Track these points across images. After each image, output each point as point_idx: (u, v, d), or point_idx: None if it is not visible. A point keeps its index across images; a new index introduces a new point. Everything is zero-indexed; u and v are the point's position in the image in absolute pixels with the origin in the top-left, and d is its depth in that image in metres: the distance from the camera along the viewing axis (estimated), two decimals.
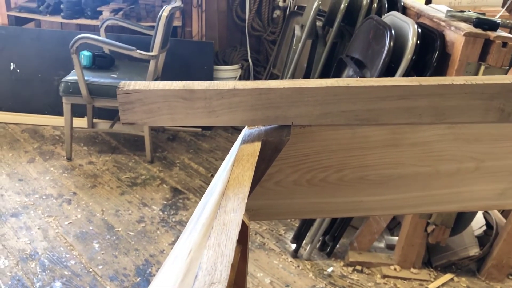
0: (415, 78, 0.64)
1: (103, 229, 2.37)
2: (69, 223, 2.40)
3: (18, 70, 3.44)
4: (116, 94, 0.62)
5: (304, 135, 0.69)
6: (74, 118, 2.93)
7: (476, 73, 1.79)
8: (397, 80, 0.64)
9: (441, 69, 1.91)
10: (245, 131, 0.68)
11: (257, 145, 0.62)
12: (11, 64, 3.44)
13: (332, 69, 2.44)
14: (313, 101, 0.64)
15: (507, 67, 1.77)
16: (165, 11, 2.69)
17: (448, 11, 1.97)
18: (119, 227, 2.40)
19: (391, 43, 1.91)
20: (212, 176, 2.88)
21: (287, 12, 3.65)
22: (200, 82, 0.64)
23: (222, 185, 0.55)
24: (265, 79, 3.75)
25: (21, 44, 3.40)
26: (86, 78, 2.75)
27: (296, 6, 3.61)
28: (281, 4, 3.74)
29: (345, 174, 0.75)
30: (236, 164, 0.57)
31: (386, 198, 0.78)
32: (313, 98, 0.63)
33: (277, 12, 3.79)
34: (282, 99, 0.63)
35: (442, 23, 1.93)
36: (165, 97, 0.62)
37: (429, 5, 2.45)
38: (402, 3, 2.42)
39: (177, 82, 0.64)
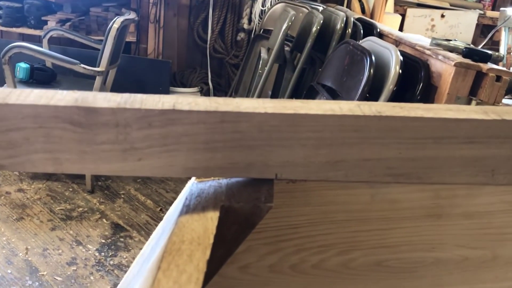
0: (490, 108, 0.37)
1: (24, 272, 1.98)
2: None
3: None
4: None
5: (293, 196, 0.41)
6: None
7: None
8: (463, 111, 0.36)
9: (425, 103, 1.69)
10: (192, 186, 0.39)
11: (212, 219, 0.33)
12: None
13: (301, 97, 2.20)
14: (317, 139, 0.35)
15: (500, 104, 1.58)
16: (116, 22, 2.39)
17: (433, 38, 1.77)
18: (44, 270, 2.01)
19: (371, 71, 1.68)
20: (162, 211, 2.54)
21: (252, 35, 3.41)
22: (108, 94, 0.34)
23: None
24: None
25: None
26: None
27: (262, 30, 3.38)
28: (245, 26, 3.51)
29: (352, 258, 0.46)
30: (164, 266, 0.27)
31: None
32: (317, 135, 0.35)
33: (241, 35, 3.56)
34: (262, 133, 0.35)
35: (427, 52, 1.73)
36: (38, 119, 0.33)
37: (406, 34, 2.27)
38: (378, 30, 2.22)
39: (64, 92, 0.34)
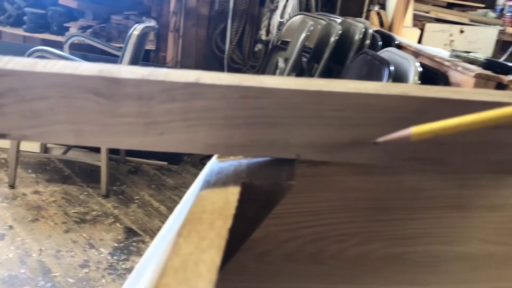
0: None
1: (37, 273, 1.99)
2: None
3: None
4: None
5: (314, 180, 0.40)
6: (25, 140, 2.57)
7: None
8: (492, 93, 0.36)
9: None
10: (212, 164, 0.38)
11: (233, 193, 0.32)
12: None
13: None
14: (341, 118, 0.35)
15: None
16: (137, 29, 2.42)
17: (453, 50, 1.76)
18: (57, 271, 2.02)
19: (390, 81, 1.67)
20: None
21: (270, 46, 3.43)
22: (133, 67, 0.34)
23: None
24: None
25: None
26: None
27: (280, 41, 3.40)
28: (263, 37, 3.54)
29: (372, 249, 0.45)
30: (185, 233, 0.27)
31: None
32: (341, 114, 0.35)
33: (259, 46, 3.58)
34: (285, 110, 0.34)
35: (446, 63, 1.72)
36: (63, 88, 0.33)
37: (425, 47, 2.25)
38: (397, 42, 2.22)
39: (90, 63, 0.34)
